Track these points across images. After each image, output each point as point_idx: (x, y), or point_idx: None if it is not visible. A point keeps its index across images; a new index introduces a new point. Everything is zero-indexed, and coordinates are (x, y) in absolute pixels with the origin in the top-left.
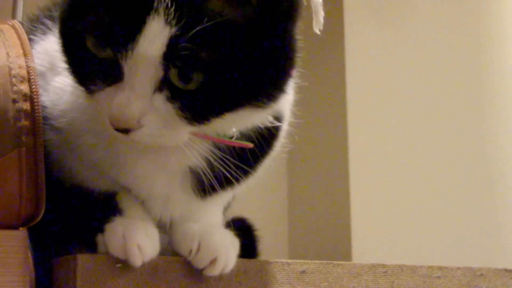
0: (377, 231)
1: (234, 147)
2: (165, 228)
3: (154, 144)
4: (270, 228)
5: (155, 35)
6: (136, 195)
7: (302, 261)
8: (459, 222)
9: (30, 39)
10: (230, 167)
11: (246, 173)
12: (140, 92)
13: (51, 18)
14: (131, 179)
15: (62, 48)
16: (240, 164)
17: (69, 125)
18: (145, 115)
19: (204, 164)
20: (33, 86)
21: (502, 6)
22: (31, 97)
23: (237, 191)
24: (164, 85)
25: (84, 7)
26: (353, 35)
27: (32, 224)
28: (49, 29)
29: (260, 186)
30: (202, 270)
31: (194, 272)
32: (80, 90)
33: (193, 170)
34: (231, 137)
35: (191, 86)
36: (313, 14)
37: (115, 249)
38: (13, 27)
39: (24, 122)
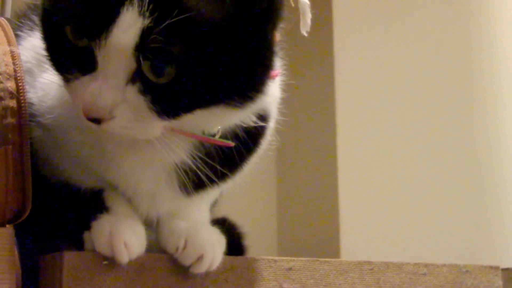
0: (366, 228)
1: (219, 145)
2: (152, 225)
3: (126, 136)
4: (259, 226)
5: (128, 26)
6: (123, 192)
7: (289, 258)
8: (445, 219)
9: (17, 35)
10: (215, 164)
11: (232, 171)
12: (112, 83)
13: (38, 14)
14: (117, 176)
15: (42, 35)
16: (226, 162)
17: (56, 122)
18: (117, 106)
19: (190, 162)
20: (20, 84)
21: (492, 5)
22: (17, 95)
23: (224, 189)
24: (137, 77)
25: None
26: (342, 33)
27: (18, 221)
28: (37, 25)
29: (249, 183)
30: (188, 267)
31: (180, 269)
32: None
33: (179, 167)
34: (213, 135)
35: (164, 79)
36: (301, 16)
37: (102, 246)
38: (0, 24)
39: (11, 120)
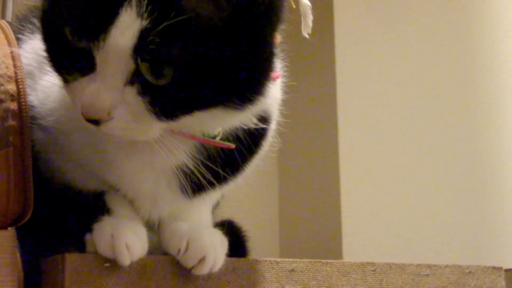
0: (368, 229)
1: (221, 147)
2: (153, 228)
3: (125, 138)
4: (261, 228)
5: (126, 27)
6: (124, 194)
7: (291, 259)
8: (448, 220)
9: (18, 38)
10: (217, 166)
11: (233, 173)
12: (111, 84)
13: (38, 15)
14: (118, 178)
15: (42, 36)
16: (227, 164)
17: (57, 124)
18: (115, 107)
19: (191, 164)
20: (21, 86)
21: (493, 6)
22: (18, 97)
23: (226, 190)
24: (135, 78)
25: None
26: (343, 35)
27: (20, 223)
28: (38, 28)
29: (251, 185)
30: (190, 269)
31: (182, 271)
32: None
33: (180, 170)
34: (214, 137)
35: (162, 81)
36: (302, 18)
37: (104, 248)
38: (0, 26)
39: (11, 122)
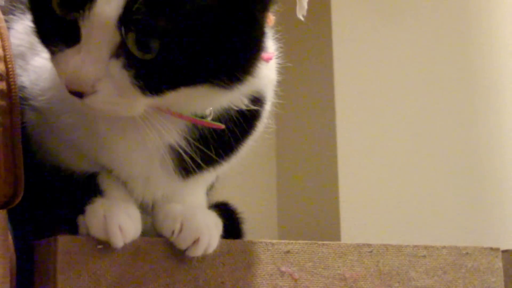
0: (366, 211)
1: (212, 127)
2: (147, 209)
3: (109, 112)
4: (259, 210)
5: None
6: (117, 175)
7: (287, 241)
8: (445, 201)
9: (9, 19)
10: (210, 147)
11: (227, 154)
12: (95, 56)
13: None
14: (110, 159)
15: (29, 6)
16: (221, 145)
17: (49, 104)
18: (100, 80)
19: (183, 144)
20: (9, 65)
21: (493, 5)
22: (7, 77)
23: (220, 172)
24: (121, 52)
25: None
26: (340, 18)
27: (11, 206)
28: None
29: (249, 167)
30: (185, 250)
31: (177, 253)
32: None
33: (173, 150)
34: (204, 117)
35: (148, 55)
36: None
37: (96, 230)
38: None
39: (0, 102)
